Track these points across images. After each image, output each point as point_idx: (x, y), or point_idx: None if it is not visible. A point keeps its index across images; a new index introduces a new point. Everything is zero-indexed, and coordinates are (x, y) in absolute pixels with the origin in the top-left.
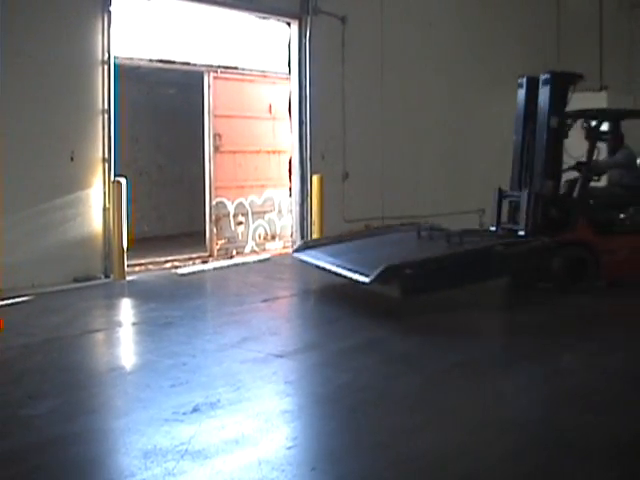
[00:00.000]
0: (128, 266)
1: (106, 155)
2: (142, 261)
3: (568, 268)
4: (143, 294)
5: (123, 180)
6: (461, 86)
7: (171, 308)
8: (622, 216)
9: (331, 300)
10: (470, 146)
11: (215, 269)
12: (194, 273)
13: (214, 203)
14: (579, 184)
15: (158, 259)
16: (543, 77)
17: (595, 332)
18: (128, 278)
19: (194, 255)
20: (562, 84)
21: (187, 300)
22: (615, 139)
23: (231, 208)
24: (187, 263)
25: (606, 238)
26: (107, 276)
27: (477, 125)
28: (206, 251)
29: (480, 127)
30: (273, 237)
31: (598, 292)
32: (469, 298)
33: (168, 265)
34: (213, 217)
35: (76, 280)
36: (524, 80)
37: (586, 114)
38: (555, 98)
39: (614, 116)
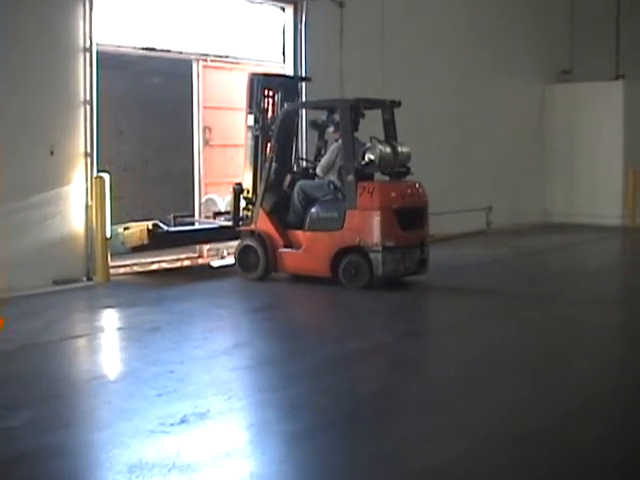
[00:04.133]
0: (112, 267)
1: (88, 149)
2: (127, 262)
3: (237, 254)
4: (128, 297)
5: (106, 176)
6: (467, 77)
7: (157, 312)
8: (313, 211)
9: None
10: (476, 140)
11: (202, 270)
12: (183, 273)
13: (204, 200)
14: (287, 180)
15: (144, 260)
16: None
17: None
18: (112, 280)
19: (182, 256)
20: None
21: (175, 303)
22: (335, 132)
23: (222, 205)
24: (175, 264)
25: (287, 233)
26: (89, 278)
27: (484, 118)
28: (195, 251)
29: (487, 120)
30: None
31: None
32: None
33: (155, 267)
34: (203, 215)
35: (56, 283)
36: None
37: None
38: (251, 98)
39: (313, 107)
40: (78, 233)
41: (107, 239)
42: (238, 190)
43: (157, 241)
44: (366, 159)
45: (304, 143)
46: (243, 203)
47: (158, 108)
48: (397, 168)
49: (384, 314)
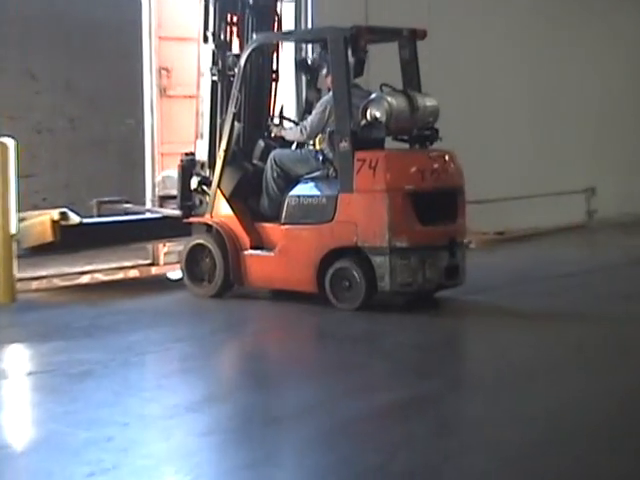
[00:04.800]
0: (20, 281)
1: None
2: (43, 272)
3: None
4: (44, 326)
5: (9, 142)
6: (558, 34)
7: (89, 348)
8: (293, 195)
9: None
10: (572, 97)
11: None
12: (126, 288)
13: (159, 178)
14: (259, 149)
15: (69, 269)
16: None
17: None
18: (21, 300)
19: (127, 263)
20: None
21: (114, 334)
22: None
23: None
24: (116, 275)
25: (256, 227)
26: None
27: (583, 64)
28: (147, 257)
29: (587, 67)
30: None
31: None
32: None
33: (86, 279)
34: (157, 201)
35: None
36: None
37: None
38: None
39: (296, 39)
40: None
41: (12, 236)
42: (188, 164)
43: (67, 238)
44: (368, 117)
45: (287, 95)
46: (195, 183)
47: (90, 40)
48: (417, 130)
49: (403, 351)
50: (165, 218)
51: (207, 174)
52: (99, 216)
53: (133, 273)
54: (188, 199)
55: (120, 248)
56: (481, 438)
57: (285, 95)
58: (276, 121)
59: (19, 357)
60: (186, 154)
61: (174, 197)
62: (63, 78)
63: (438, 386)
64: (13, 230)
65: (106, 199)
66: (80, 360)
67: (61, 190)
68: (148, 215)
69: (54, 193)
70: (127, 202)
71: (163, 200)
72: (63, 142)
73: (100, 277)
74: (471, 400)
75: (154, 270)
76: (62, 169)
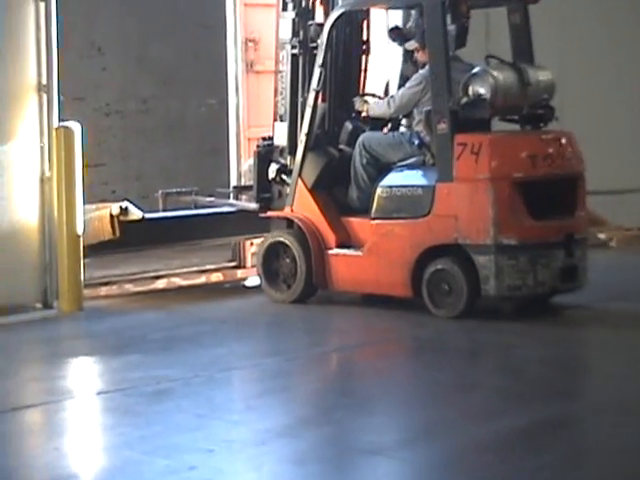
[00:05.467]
0: (87, 286)
1: (43, 80)
2: (113, 274)
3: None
4: (116, 338)
5: (75, 126)
6: None
7: (167, 363)
8: (384, 185)
9: None
10: None
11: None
12: (207, 294)
13: (245, 167)
14: (346, 132)
15: (142, 272)
16: None
17: None
18: (88, 307)
19: (210, 265)
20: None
21: (196, 348)
22: (418, 50)
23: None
24: (196, 280)
25: (343, 222)
26: (48, 305)
27: None
28: (232, 257)
29: None
30: None
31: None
32: None
33: (161, 284)
34: (233, 194)
35: None
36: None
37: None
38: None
39: (387, 4)
40: (26, 226)
41: (78, 237)
42: (265, 150)
43: (128, 236)
44: (471, 94)
45: (378, 70)
46: (273, 172)
47: (166, 8)
48: (528, 109)
49: (525, 366)
50: (240, 212)
51: (287, 161)
52: (165, 210)
53: (216, 277)
54: (266, 190)
55: (198, 247)
56: (620, 470)
57: (377, 70)
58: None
59: (88, 373)
60: (263, 139)
61: (243, 188)
62: (134, 52)
63: (571, 409)
64: (79, 229)
65: (173, 190)
66: (157, 377)
67: (132, 181)
68: (220, 209)
69: (124, 184)
70: (197, 194)
71: (239, 192)
72: (134, 126)
73: (178, 281)
74: (613, 425)
75: (240, 273)
76: (133, 157)
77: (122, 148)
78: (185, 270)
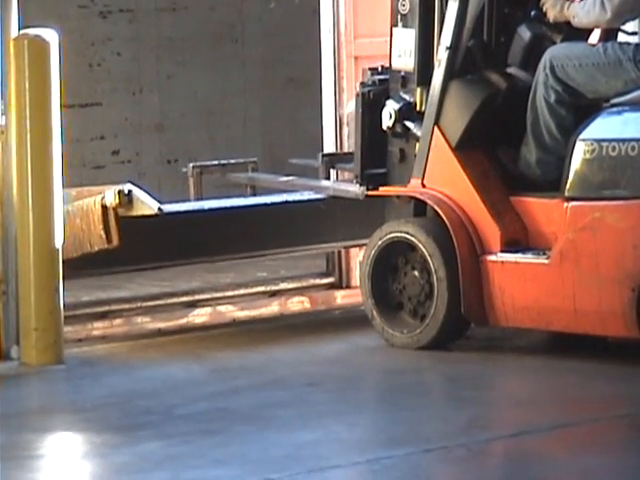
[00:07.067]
0: (70, 320)
1: None
2: (114, 298)
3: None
4: (120, 412)
5: (50, 36)
6: None
7: (210, 459)
8: (586, 139)
9: None
10: None
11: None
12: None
13: (350, 109)
14: (520, 46)
15: (165, 295)
16: None
17: None
18: (70, 358)
19: (286, 283)
20: None
21: (262, 431)
22: None
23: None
24: (261, 308)
25: (512, 203)
26: (3, 355)
27: None
28: (326, 269)
29: None
30: None
31: None
32: None
33: (199, 315)
34: (321, 165)
35: None
36: None
37: None
38: None
39: None
40: None
41: (56, 252)
42: (375, 91)
43: (135, 244)
44: None
45: None
46: (390, 116)
47: None
48: None
49: None
50: (335, 200)
51: (414, 98)
52: (199, 198)
53: (297, 303)
54: (376, 161)
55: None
56: None
57: None
58: None
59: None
60: (371, 71)
61: (332, 155)
62: None
63: None
64: (58, 229)
65: (214, 162)
66: None
67: (147, 134)
68: (296, 195)
69: (133, 140)
70: (254, 168)
71: (334, 162)
72: (153, 36)
73: (229, 311)
74: None
75: (339, 297)
76: (150, 91)
77: (130, 75)
78: (242, 292)
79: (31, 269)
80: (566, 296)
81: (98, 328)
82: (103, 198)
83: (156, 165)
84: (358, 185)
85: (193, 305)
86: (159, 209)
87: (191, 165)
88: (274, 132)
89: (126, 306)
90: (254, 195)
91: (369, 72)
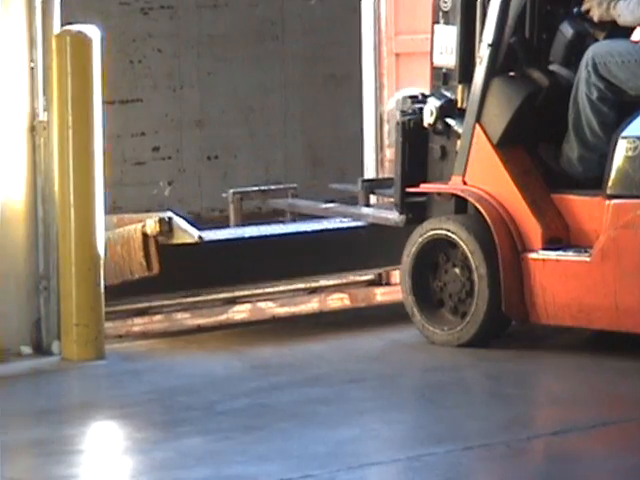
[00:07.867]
0: (111, 316)
1: None
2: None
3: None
4: (161, 407)
5: (92, 32)
6: None
7: (252, 455)
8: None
9: None
10: None
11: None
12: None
13: (392, 105)
14: (563, 40)
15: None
16: None
17: None
18: (111, 353)
19: (326, 280)
20: None
21: (303, 427)
22: None
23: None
24: (301, 305)
25: (555, 201)
26: (43, 349)
27: None
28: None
29: None
30: None
31: None
32: None
33: (239, 312)
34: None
35: None
36: None
37: None
38: None
39: None
40: (5, 211)
41: (98, 262)
42: (415, 120)
43: (173, 270)
44: None
45: None
46: (431, 113)
47: None
48: None
49: None
50: (374, 227)
51: (456, 95)
52: (240, 223)
53: (337, 300)
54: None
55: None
56: None
57: None
58: None
59: (115, 476)
60: (411, 99)
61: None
62: None
63: None
64: (101, 250)
65: (248, 189)
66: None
67: (188, 130)
68: (332, 223)
69: (174, 136)
70: (294, 194)
71: (374, 187)
72: (194, 33)
73: (269, 308)
74: None
75: (379, 294)
76: (191, 87)
77: (171, 71)
78: (282, 289)
79: (72, 265)
80: (607, 294)
81: (138, 324)
82: (144, 226)
83: (196, 162)
84: (397, 214)
85: (233, 302)
86: (199, 237)
87: (231, 191)
88: (314, 129)
89: (166, 302)
90: (294, 220)
91: (409, 100)
